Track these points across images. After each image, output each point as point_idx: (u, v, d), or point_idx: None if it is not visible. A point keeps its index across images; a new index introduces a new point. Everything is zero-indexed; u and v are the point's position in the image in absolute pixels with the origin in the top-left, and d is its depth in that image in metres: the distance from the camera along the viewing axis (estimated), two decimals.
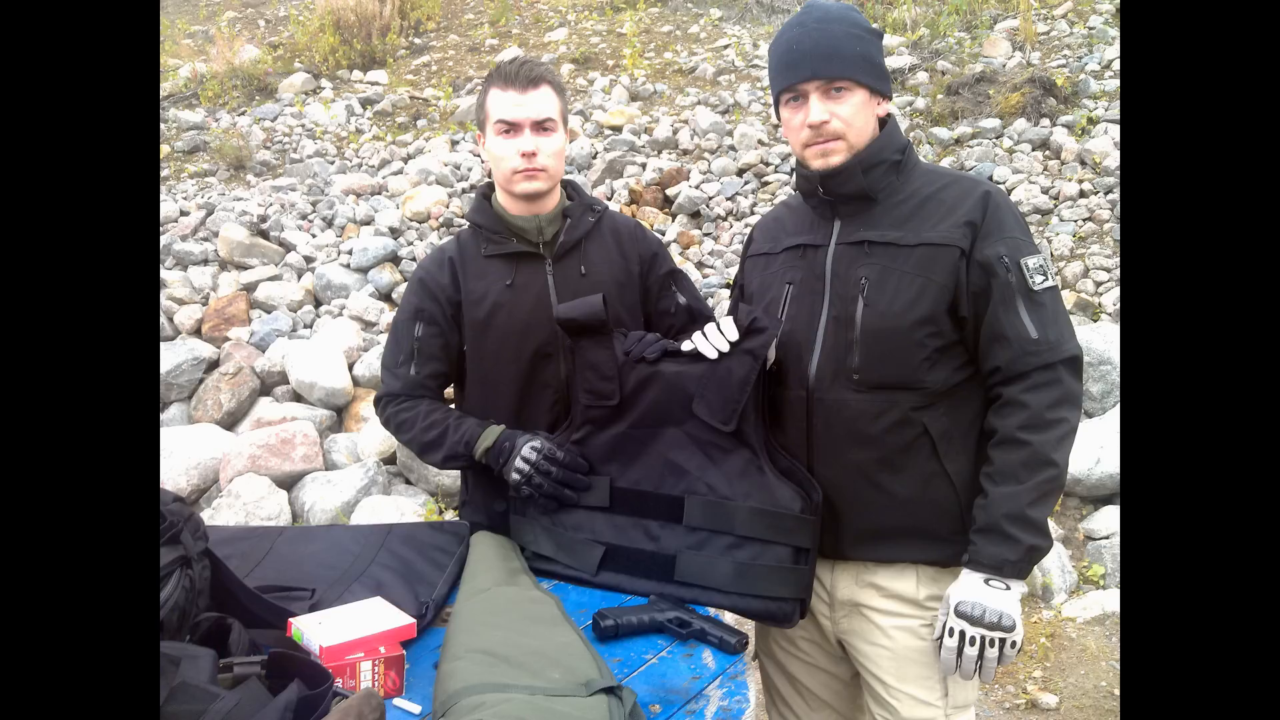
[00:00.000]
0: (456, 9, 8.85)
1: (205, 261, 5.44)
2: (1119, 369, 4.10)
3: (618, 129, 6.43)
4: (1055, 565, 3.54)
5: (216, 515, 3.81)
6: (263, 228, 5.56)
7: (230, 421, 4.47)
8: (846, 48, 1.58)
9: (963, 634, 1.49)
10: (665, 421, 1.69)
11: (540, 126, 1.81)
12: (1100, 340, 4.16)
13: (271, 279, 5.28)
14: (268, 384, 4.63)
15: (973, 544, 1.52)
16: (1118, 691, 3.00)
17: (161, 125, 6.99)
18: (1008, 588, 1.50)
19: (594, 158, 6.12)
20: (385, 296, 5.16)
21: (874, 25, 1.64)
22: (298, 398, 4.56)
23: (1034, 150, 5.54)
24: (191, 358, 4.62)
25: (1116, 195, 5.13)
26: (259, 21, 9.06)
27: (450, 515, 3.86)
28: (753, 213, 5.54)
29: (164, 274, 5.29)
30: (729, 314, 1.70)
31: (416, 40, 8.26)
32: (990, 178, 5.27)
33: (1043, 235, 5.02)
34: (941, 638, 1.53)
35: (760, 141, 6.04)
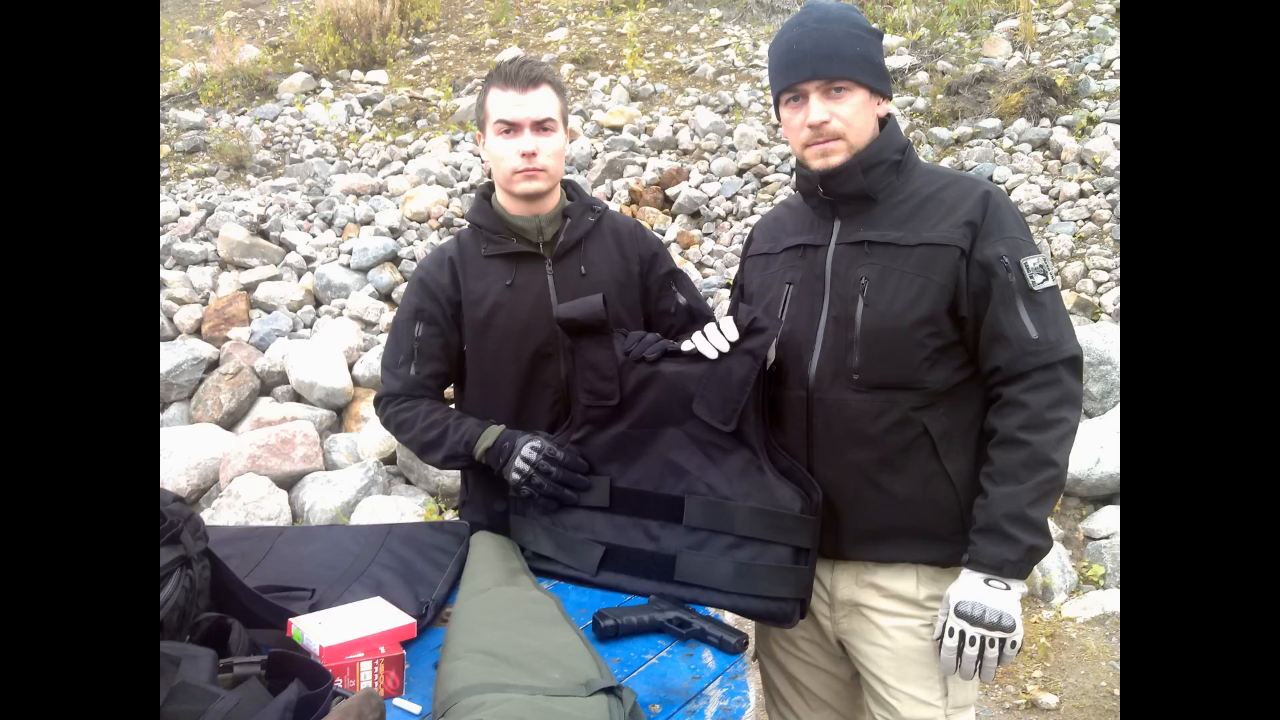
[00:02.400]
0: (456, 9, 8.85)
1: (205, 261, 5.44)
2: (1119, 369, 4.10)
3: (618, 129, 6.42)
4: (1055, 565, 3.54)
5: (216, 515, 3.81)
6: (263, 228, 5.56)
7: (230, 421, 4.47)
8: (846, 48, 1.58)
9: (963, 634, 1.49)
10: (665, 421, 1.69)
11: (540, 126, 1.82)
12: (1100, 340, 4.16)
13: (271, 279, 5.28)
14: (268, 384, 4.63)
15: (973, 544, 1.53)
16: (1118, 691, 3.00)
17: (161, 125, 6.99)
18: (1008, 588, 1.50)
19: (594, 158, 6.11)
20: (385, 296, 5.16)
21: (874, 25, 1.64)
22: (298, 398, 4.56)
23: (1034, 150, 5.54)
24: (191, 358, 4.62)
25: (1116, 195, 5.13)
26: (259, 21, 9.06)
27: (450, 515, 3.86)
28: (753, 213, 5.54)
29: (164, 274, 5.29)
30: (729, 314, 1.70)
31: (416, 40, 8.26)
32: (990, 178, 5.27)
33: (1043, 235, 5.02)
34: (941, 638, 1.53)
35: (760, 141, 6.04)
